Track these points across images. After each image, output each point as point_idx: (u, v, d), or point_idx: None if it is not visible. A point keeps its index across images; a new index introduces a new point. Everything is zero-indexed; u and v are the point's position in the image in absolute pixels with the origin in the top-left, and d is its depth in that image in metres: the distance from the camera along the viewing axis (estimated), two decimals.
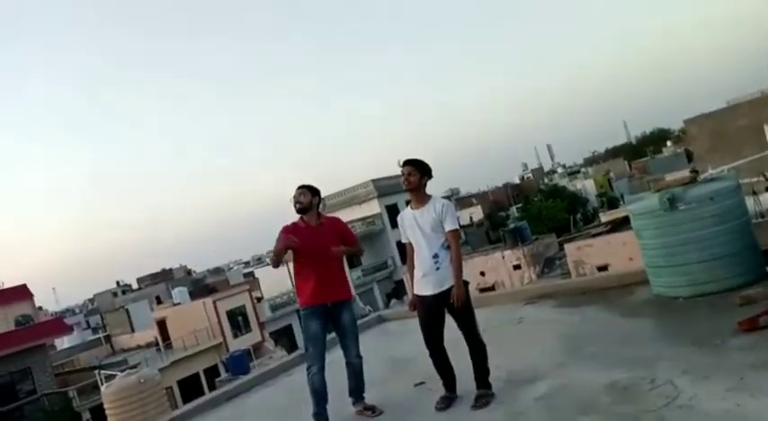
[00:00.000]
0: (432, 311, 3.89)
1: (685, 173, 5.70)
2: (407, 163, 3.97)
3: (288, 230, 4.29)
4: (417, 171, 3.95)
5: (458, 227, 3.92)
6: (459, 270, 3.84)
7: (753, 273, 4.71)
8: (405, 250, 4.15)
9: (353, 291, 38.09)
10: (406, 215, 4.05)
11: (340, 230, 4.51)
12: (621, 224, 21.23)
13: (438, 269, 3.84)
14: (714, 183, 5.11)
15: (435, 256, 3.85)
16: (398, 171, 4.03)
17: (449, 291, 3.80)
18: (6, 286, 31.18)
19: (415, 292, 3.99)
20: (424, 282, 3.90)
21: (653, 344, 4.03)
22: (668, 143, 77.79)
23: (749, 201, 5.91)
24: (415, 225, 3.93)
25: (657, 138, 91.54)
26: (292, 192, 4.39)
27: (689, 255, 4.75)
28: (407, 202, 4.22)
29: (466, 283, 3.85)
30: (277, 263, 4.27)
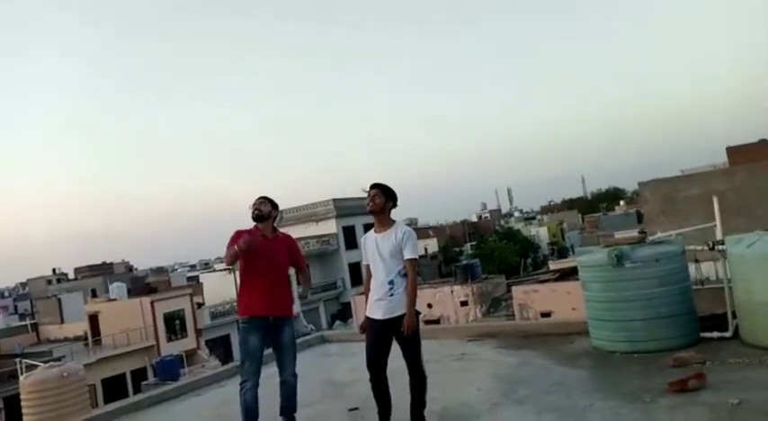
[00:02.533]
0: (380, 336, 3.87)
1: (634, 233, 5.91)
2: (375, 186, 4.00)
3: (235, 236, 4.21)
4: (383, 195, 3.97)
5: (416, 256, 3.94)
6: (412, 299, 3.84)
7: (688, 337, 4.89)
8: (358, 272, 4.15)
9: (298, 308, 37.75)
10: (369, 237, 4.05)
11: (291, 248, 4.47)
12: (568, 274, 21.76)
13: (392, 295, 3.84)
14: (661, 245, 5.31)
15: (391, 283, 3.85)
16: (360, 194, 4.05)
17: (399, 318, 3.79)
18: None
19: (367, 315, 3.97)
20: (376, 307, 3.89)
21: (585, 394, 4.11)
22: (621, 202, 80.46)
23: (691, 268, 6.15)
24: (375, 249, 3.93)
25: (612, 197, 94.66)
26: (249, 200, 4.36)
27: (631, 312, 4.91)
28: (365, 226, 4.24)
29: (417, 313, 3.86)
30: (234, 259, 4.12)
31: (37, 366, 11.07)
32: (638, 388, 4.03)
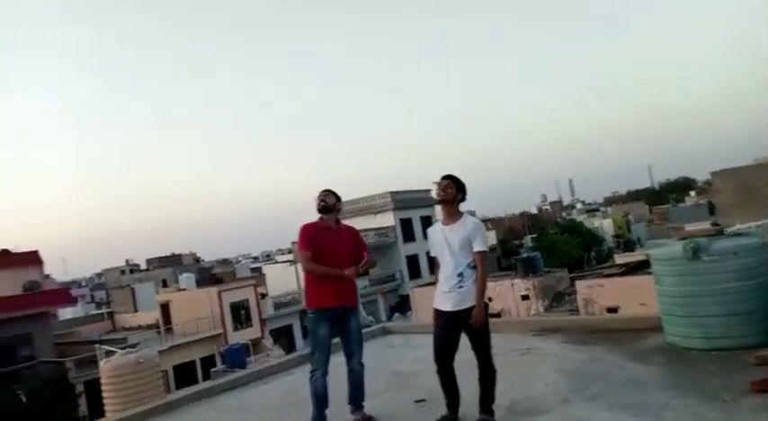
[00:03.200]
0: (448, 327, 3.89)
1: (707, 225, 5.64)
2: (448, 177, 4.00)
3: (309, 229, 4.34)
4: (455, 186, 3.97)
5: (486, 248, 3.92)
6: (482, 291, 3.84)
7: None
8: (416, 265, 4.16)
9: (359, 301, 38.05)
10: (436, 230, 4.05)
11: (355, 238, 4.54)
12: (636, 268, 20.97)
13: (461, 287, 3.84)
14: (739, 237, 5.06)
15: (460, 275, 3.85)
16: (418, 187, 4.06)
17: (468, 310, 3.80)
18: (19, 250, 31.57)
19: (435, 307, 3.99)
20: (445, 298, 3.90)
21: (661, 392, 3.97)
22: (692, 193, 76.92)
23: None
24: (444, 241, 3.93)
25: (681, 187, 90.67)
26: (312, 194, 4.47)
27: (708, 307, 4.70)
28: (422, 219, 4.24)
29: (486, 306, 3.85)
30: (312, 273, 4.31)
31: (115, 352, 11.68)
32: (718, 386, 3.87)
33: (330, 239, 4.32)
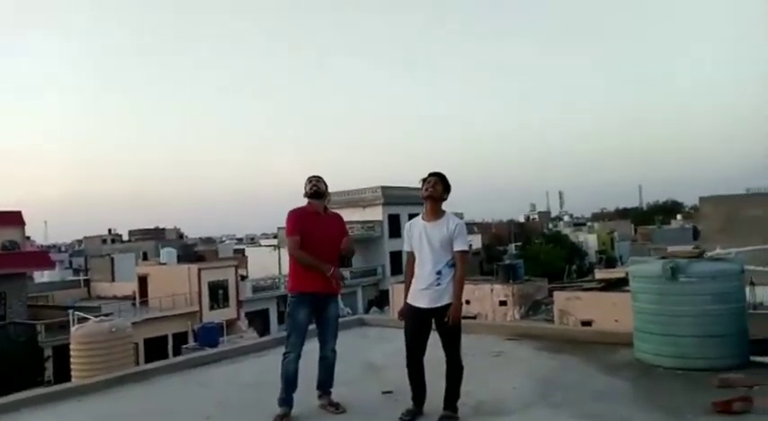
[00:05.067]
0: (421, 323, 3.92)
1: (688, 248, 5.73)
2: (435, 174, 4.05)
3: (297, 214, 4.34)
4: (442, 184, 4.00)
5: (467, 248, 3.96)
6: (460, 290, 3.88)
7: (738, 359, 4.72)
8: (399, 261, 4.17)
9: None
10: (416, 224, 4.07)
11: (341, 226, 4.55)
12: (615, 284, 21.18)
13: (438, 285, 3.87)
14: (718, 262, 5.13)
15: (438, 273, 3.88)
16: (407, 183, 4.09)
17: (444, 307, 3.83)
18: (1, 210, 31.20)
19: (409, 302, 4.01)
20: (421, 295, 3.93)
21: (625, 405, 4.03)
22: (678, 216, 77.73)
23: (746, 290, 5.92)
24: (424, 237, 3.95)
25: (669, 210, 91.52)
26: (300, 180, 4.46)
27: (681, 327, 4.77)
28: (411, 216, 4.27)
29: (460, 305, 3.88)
30: (301, 261, 4.28)
31: (88, 319, 11.61)
32: (682, 404, 3.94)
33: (318, 224, 4.33)
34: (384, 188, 44.53)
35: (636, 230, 75.01)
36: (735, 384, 4.23)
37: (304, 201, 4.44)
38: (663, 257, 5.24)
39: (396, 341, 4.14)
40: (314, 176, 4.45)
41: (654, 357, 4.95)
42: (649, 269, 5.12)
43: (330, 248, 4.34)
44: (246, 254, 47.93)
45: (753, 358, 4.81)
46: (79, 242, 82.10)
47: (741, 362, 4.71)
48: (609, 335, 6.22)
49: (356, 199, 45.43)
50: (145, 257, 48.56)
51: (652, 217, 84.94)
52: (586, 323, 17.35)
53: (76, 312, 21.89)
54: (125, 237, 72.71)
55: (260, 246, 50.89)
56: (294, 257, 4.32)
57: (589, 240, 65.39)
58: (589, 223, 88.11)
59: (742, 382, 4.25)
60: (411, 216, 4.21)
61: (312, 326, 4.38)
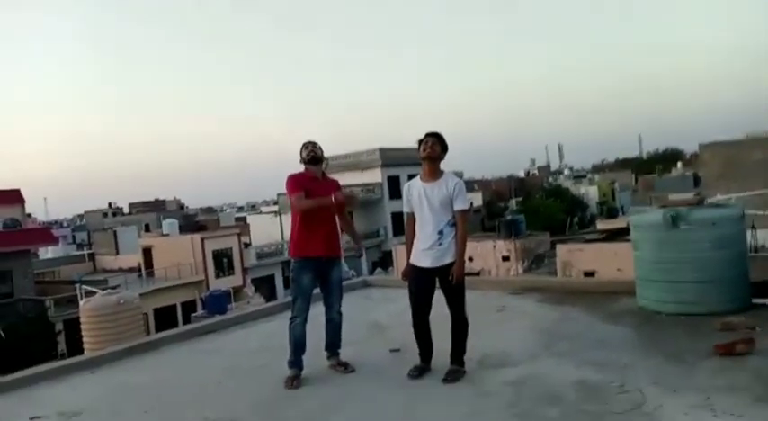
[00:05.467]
0: (426, 283, 3.96)
1: (690, 195, 5.72)
2: (433, 134, 4.01)
3: (297, 178, 4.32)
4: (440, 144, 3.98)
5: (468, 207, 3.96)
6: (463, 249, 3.90)
7: (739, 302, 4.77)
8: (401, 222, 4.17)
9: (342, 254, 38.33)
10: (415, 185, 4.05)
11: (336, 190, 4.51)
12: (617, 234, 21.26)
13: (440, 245, 3.89)
14: (719, 208, 5.14)
15: (440, 232, 3.89)
16: (406, 144, 4.06)
17: (447, 266, 3.86)
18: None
19: (413, 262, 4.03)
20: (423, 255, 3.94)
21: (628, 351, 4.10)
22: (679, 164, 77.50)
23: (747, 234, 5.94)
24: (424, 197, 3.94)
25: (669, 158, 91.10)
26: (294, 145, 4.43)
27: (682, 273, 4.81)
28: (410, 177, 4.25)
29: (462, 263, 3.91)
30: (311, 208, 4.24)
31: (95, 293, 11.73)
32: (683, 349, 4.00)
33: (318, 189, 4.29)
34: (382, 150, 44.27)
35: (637, 180, 74.77)
36: (736, 327, 4.29)
37: (301, 168, 4.41)
38: (663, 206, 5.23)
39: (400, 301, 4.19)
40: (310, 142, 4.41)
41: (656, 304, 5.01)
42: (650, 218, 5.12)
43: (330, 212, 4.35)
44: (248, 221, 48.01)
45: (754, 300, 4.86)
46: (80, 217, 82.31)
47: (742, 306, 4.77)
48: (611, 284, 6.28)
49: (354, 162, 45.20)
50: (147, 229, 48.67)
51: (653, 166, 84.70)
52: (589, 274, 17.49)
53: (84, 286, 22.07)
54: (126, 210, 72.79)
55: (261, 213, 50.92)
56: (302, 210, 4.23)
57: (590, 192, 65.37)
58: (589, 175, 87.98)
59: (743, 325, 4.31)
60: (410, 177, 4.19)
61: (316, 291, 4.42)
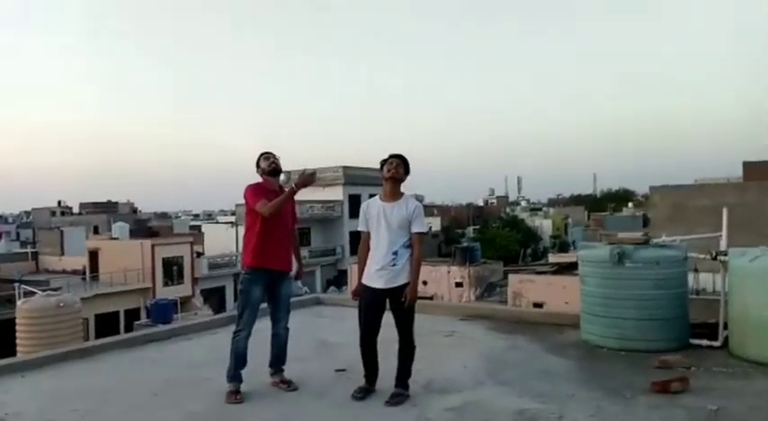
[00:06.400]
0: (376, 304, 3.95)
1: (637, 234, 5.95)
2: (397, 156, 4.06)
3: (258, 188, 4.24)
4: (404, 166, 4.03)
5: (425, 230, 3.99)
6: (417, 271, 3.93)
7: (678, 341, 4.93)
8: (358, 242, 4.16)
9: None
10: (374, 204, 4.07)
11: (293, 206, 4.48)
12: (566, 268, 21.75)
13: (394, 266, 3.90)
14: (663, 249, 5.32)
15: (395, 253, 3.90)
16: (370, 164, 4.09)
17: (399, 288, 3.87)
18: None
19: (364, 282, 4.02)
20: (377, 275, 3.94)
21: (569, 383, 4.17)
22: (629, 204, 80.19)
23: (690, 277, 6.16)
24: (382, 217, 3.95)
25: (621, 198, 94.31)
26: (251, 156, 4.37)
27: (625, 310, 4.95)
28: (371, 196, 4.27)
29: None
30: (278, 210, 4.10)
31: (35, 293, 11.27)
32: (622, 384, 4.09)
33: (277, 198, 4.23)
34: (345, 168, 44.30)
35: (589, 216, 77.12)
36: (673, 365, 4.43)
37: (257, 179, 4.34)
38: (611, 243, 5.39)
39: (351, 320, 4.16)
40: (270, 153, 4.35)
41: (599, 338, 5.13)
42: (597, 254, 5.27)
43: (286, 227, 4.32)
44: (203, 230, 47.09)
45: (692, 341, 5.03)
46: (27, 213, 79.18)
47: (680, 345, 4.93)
48: (557, 316, 6.41)
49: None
50: (96, 231, 47.13)
51: (605, 204, 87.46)
52: (538, 305, 17.83)
53: (23, 285, 21.15)
54: (75, 210, 70.45)
55: (217, 222, 50.10)
56: (269, 214, 4.08)
57: (544, 225, 66.92)
58: (545, 208, 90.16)
59: (680, 363, 4.46)
60: (372, 196, 4.21)
61: (263, 305, 4.34)
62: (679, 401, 3.72)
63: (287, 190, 4.19)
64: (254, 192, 4.22)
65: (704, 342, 5.00)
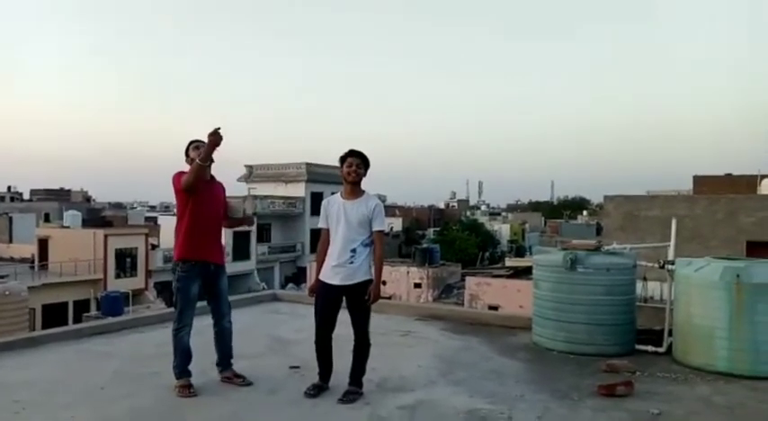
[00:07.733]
0: (332, 301, 3.95)
1: (591, 242, 6.13)
2: (359, 154, 3.99)
3: (184, 174, 4.03)
4: (364, 165, 4.00)
5: (386, 228, 4.00)
6: (380, 269, 3.95)
7: (624, 346, 5.09)
8: (318, 239, 4.14)
9: (255, 265, 37.41)
10: (334, 201, 4.06)
11: (224, 195, 4.35)
12: (522, 273, 22.20)
13: (352, 263, 3.89)
14: (614, 256, 5.49)
15: (353, 251, 3.90)
16: (332, 162, 4.05)
17: (356, 285, 3.87)
18: None
19: (322, 279, 4.01)
20: (334, 272, 3.93)
21: (519, 384, 4.26)
22: (584, 212, 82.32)
23: (639, 285, 6.38)
24: (342, 214, 3.95)
25: (577, 205, 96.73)
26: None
27: (575, 314, 5.08)
28: (333, 194, 4.25)
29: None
30: (197, 179, 3.90)
31: None
32: (569, 386, 4.21)
33: (207, 190, 4.10)
34: (309, 165, 44.05)
35: (546, 223, 78.83)
36: (619, 369, 4.58)
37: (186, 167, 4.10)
38: (565, 248, 5.53)
39: (308, 317, 4.14)
40: (200, 141, 4.06)
41: (549, 341, 5.26)
42: (551, 259, 5.39)
43: (217, 215, 4.20)
44: (159, 222, 46.04)
45: (638, 346, 5.20)
46: None
47: (627, 350, 5.08)
48: (510, 318, 6.54)
49: (279, 174, 44.66)
50: (47, 219, 45.62)
51: (561, 211, 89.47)
52: (494, 307, 18.12)
53: None
54: (26, 196, 68.00)
55: (174, 214, 49.04)
56: (189, 183, 3.90)
57: (503, 230, 67.94)
58: (504, 213, 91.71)
59: (626, 368, 4.60)
60: (334, 194, 4.18)
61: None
62: (624, 405, 3.84)
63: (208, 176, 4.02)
64: (180, 176, 4.01)
65: (650, 348, 5.17)
